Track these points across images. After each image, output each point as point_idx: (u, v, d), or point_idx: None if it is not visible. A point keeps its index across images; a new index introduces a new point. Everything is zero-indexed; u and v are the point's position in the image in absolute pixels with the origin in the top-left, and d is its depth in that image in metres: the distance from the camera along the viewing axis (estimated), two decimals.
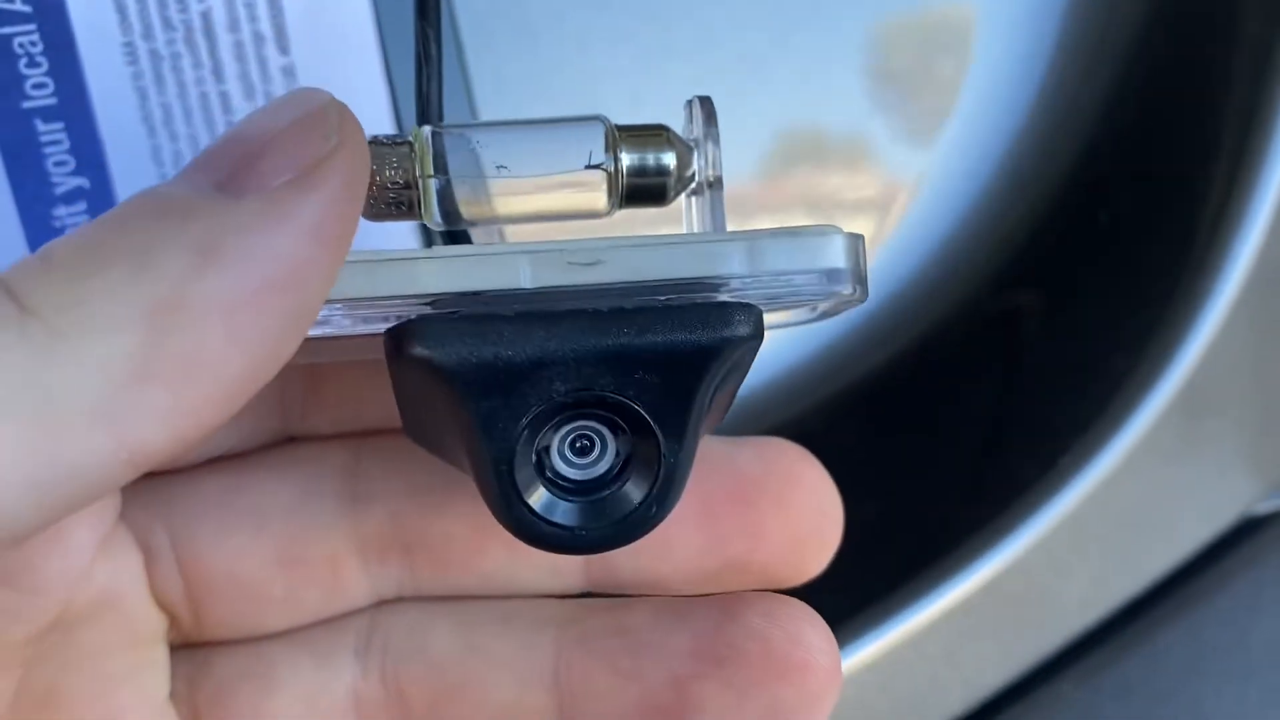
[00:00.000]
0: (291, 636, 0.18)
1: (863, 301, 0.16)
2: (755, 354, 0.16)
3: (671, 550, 0.18)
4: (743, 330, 0.15)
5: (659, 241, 0.16)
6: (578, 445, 0.16)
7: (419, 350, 0.15)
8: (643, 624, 0.18)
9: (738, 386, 0.17)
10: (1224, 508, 0.32)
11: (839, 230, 0.15)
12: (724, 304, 0.15)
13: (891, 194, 0.32)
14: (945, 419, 0.33)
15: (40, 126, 0.23)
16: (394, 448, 0.18)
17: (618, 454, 0.16)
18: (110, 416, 0.12)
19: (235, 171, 0.13)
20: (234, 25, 0.23)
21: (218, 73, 0.24)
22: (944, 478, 0.32)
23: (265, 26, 0.24)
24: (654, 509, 0.15)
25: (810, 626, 0.17)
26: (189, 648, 0.18)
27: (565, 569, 0.18)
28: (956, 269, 0.33)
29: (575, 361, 0.15)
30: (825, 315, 0.18)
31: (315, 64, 0.24)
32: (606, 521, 0.15)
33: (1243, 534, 0.32)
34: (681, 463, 0.15)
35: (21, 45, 0.23)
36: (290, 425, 0.19)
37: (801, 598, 0.30)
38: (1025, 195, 0.34)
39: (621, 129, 0.17)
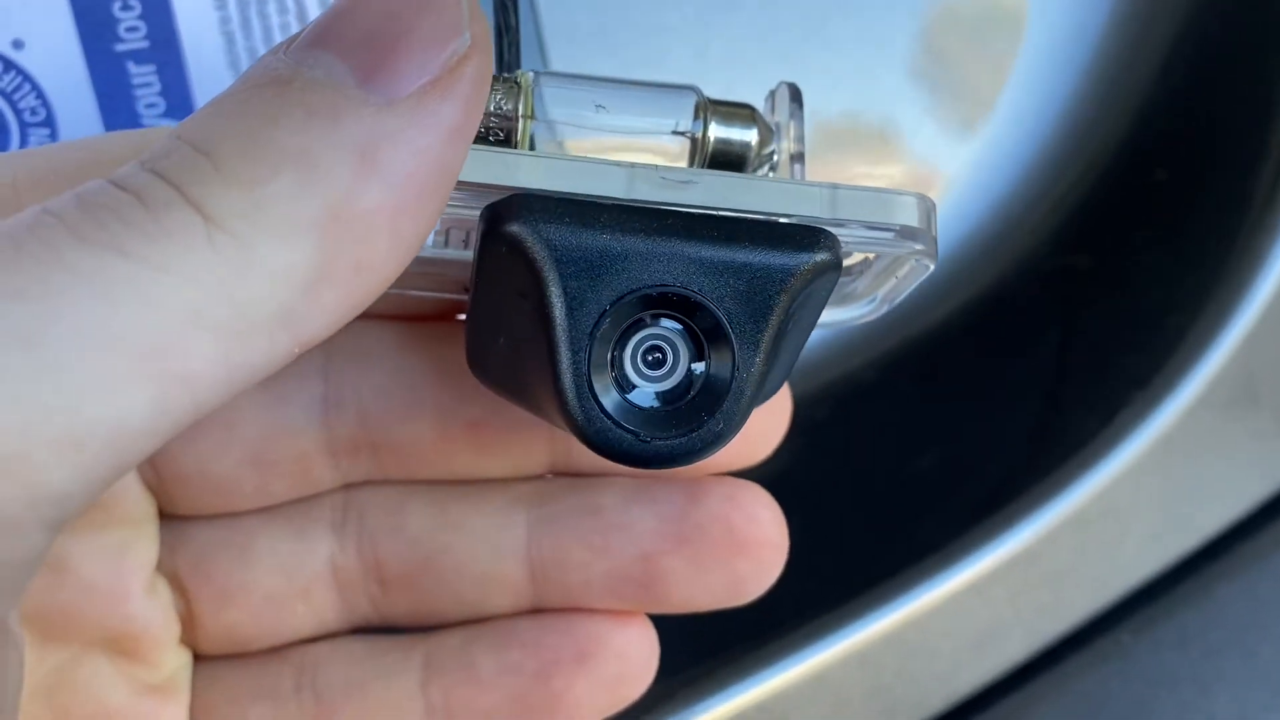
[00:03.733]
0: (268, 513, 0.19)
1: (929, 268, 0.16)
2: (831, 288, 0.16)
3: None
4: (826, 253, 0.15)
5: (750, 177, 0.16)
6: (650, 358, 0.16)
7: (518, 222, 0.15)
8: (613, 505, 0.19)
9: (807, 333, 0.17)
10: None
11: (916, 194, 0.16)
12: (812, 228, 0.16)
13: (950, 153, 0.33)
14: (1004, 374, 0.33)
15: (132, 69, 0.23)
16: (366, 347, 0.19)
17: (689, 371, 0.16)
18: (290, 320, 0.12)
19: (375, 65, 0.13)
20: None
21: (302, 17, 0.24)
22: (1003, 431, 0.32)
23: None
24: (720, 424, 0.15)
25: (764, 507, 0.19)
26: (167, 519, 0.19)
27: (529, 465, 0.19)
28: (1015, 227, 0.33)
29: (665, 255, 0.15)
30: (892, 298, 0.18)
31: None
32: (672, 432, 0.15)
33: None
34: (752, 379, 0.15)
35: None
36: None
37: (859, 547, 0.30)
38: (1082, 155, 0.34)
39: (712, 102, 0.18)
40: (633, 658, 0.19)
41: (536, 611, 0.19)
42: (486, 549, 0.19)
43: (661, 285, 0.15)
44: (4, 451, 0.11)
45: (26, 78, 0.23)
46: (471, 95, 0.13)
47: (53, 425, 0.11)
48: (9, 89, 0.23)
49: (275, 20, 0.24)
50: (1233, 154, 0.33)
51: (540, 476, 0.19)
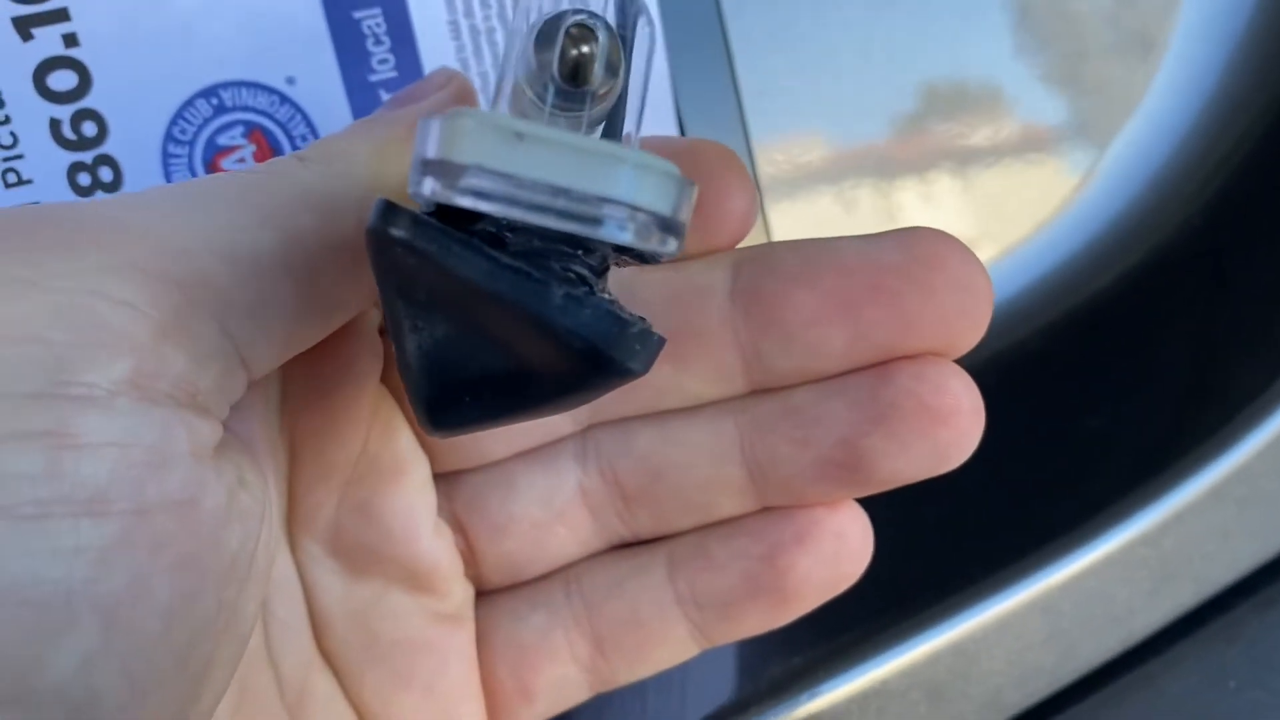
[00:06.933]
0: (522, 456, 0.22)
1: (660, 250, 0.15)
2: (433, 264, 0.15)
3: (819, 347, 0.20)
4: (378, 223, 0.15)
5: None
6: None
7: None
8: (807, 401, 0.20)
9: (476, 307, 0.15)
10: None
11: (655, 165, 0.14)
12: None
13: (1110, 126, 0.34)
14: (1166, 339, 0.34)
15: (384, 96, 0.27)
16: None
17: None
18: None
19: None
20: None
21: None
22: (1168, 392, 0.34)
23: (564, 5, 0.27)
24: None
25: (953, 377, 0.19)
26: (442, 477, 0.22)
27: (726, 375, 0.20)
28: (1172, 197, 0.35)
29: None
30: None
31: None
32: None
33: None
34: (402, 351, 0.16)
35: (369, 27, 0.26)
36: None
37: (1037, 503, 0.32)
38: (1234, 125, 0.35)
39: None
40: (848, 537, 0.21)
41: (760, 510, 0.21)
42: (706, 456, 0.21)
43: None
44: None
45: (298, 109, 0.26)
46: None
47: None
48: (284, 120, 0.26)
49: (503, 48, 0.27)
50: None
51: (744, 396, 0.21)
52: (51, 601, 0.14)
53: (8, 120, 0.25)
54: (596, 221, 0.14)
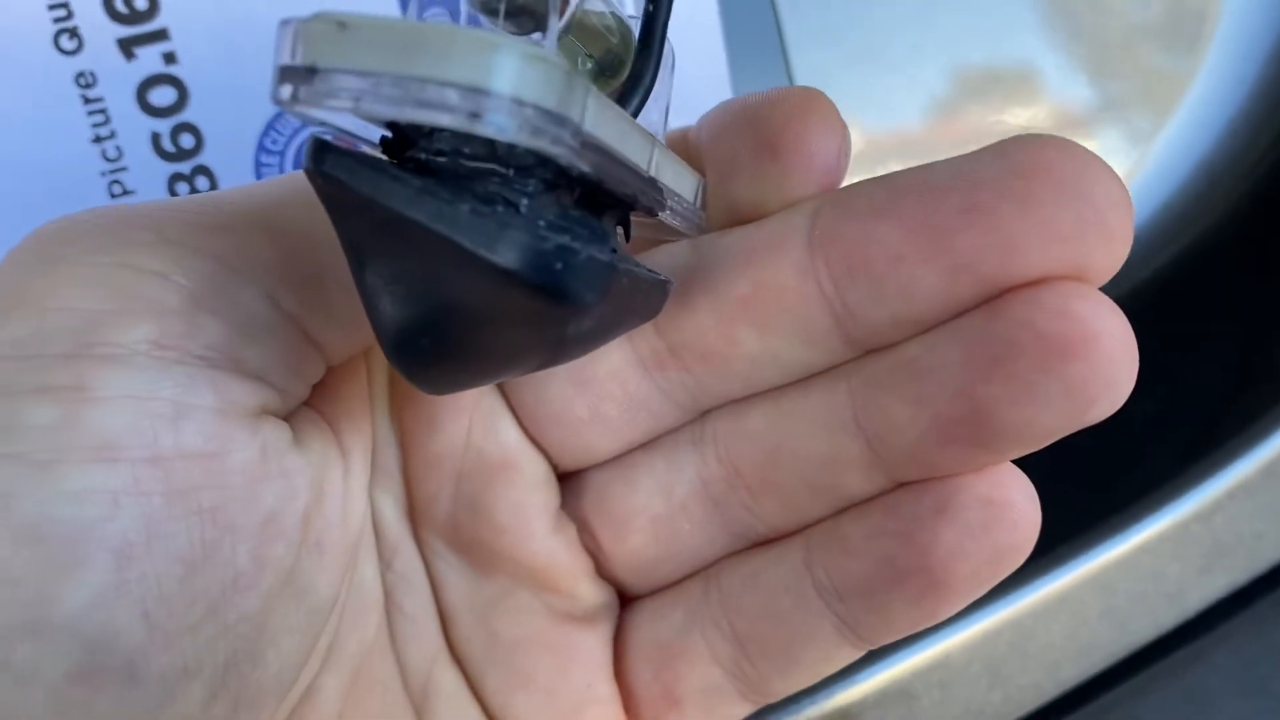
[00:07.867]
0: (643, 448, 0.21)
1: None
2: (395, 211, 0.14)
3: (913, 288, 0.17)
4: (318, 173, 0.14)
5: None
6: None
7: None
8: (917, 353, 0.17)
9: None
10: None
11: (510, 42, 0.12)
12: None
13: (1157, 112, 0.35)
14: (1213, 322, 0.35)
15: None
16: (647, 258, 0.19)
17: None
18: None
19: None
20: None
21: None
22: (1219, 373, 0.34)
23: None
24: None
25: (1078, 299, 0.16)
26: (567, 477, 0.21)
27: (818, 335, 0.18)
28: (1217, 183, 0.36)
29: None
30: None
31: None
32: None
33: None
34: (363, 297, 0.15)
35: None
36: None
37: (1093, 483, 0.33)
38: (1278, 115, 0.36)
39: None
40: (1000, 503, 0.17)
41: (898, 487, 0.18)
42: (820, 430, 0.18)
43: None
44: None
45: None
46: None
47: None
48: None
49: None
50: None
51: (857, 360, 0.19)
52: (62, 539, 0.14)
53: (113, 135, 0.26)
54: (475, 115, 0.12)
